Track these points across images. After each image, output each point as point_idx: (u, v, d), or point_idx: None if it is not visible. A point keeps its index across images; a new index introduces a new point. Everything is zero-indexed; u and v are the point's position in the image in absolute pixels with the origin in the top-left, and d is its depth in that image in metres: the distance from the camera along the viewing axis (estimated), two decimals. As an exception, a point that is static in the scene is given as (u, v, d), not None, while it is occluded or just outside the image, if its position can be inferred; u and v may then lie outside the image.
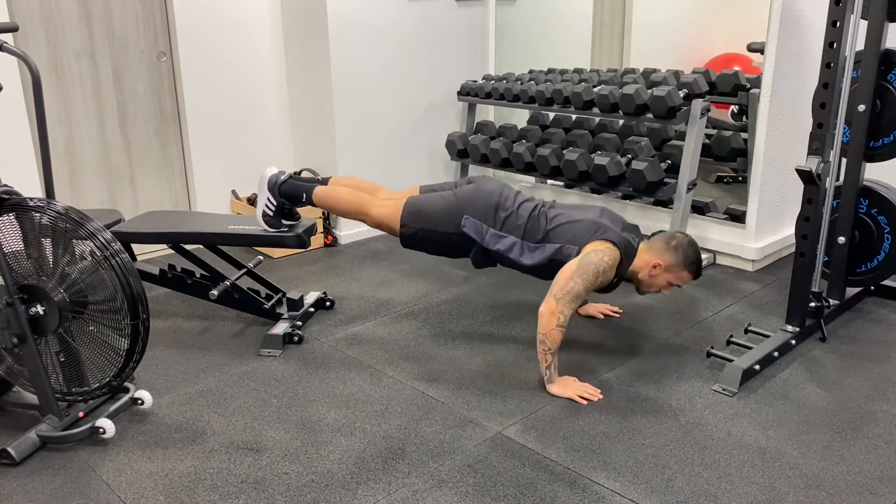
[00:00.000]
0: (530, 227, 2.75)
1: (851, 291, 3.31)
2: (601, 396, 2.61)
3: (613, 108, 3.73)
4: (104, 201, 4.06)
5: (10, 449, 2.25)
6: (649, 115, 3.60)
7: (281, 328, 3.05)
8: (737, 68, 4.02)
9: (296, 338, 3.06)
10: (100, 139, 3.98)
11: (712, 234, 3.90)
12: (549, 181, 4.72)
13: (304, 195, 2.99)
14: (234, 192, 4.42)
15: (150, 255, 4.10)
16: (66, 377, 2.40)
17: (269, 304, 3.20)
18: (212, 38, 4.14)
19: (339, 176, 4.25)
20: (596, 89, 3.80)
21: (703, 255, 3.86)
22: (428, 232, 2.82)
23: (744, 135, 3.81)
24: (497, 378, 2.76)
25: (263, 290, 3.33)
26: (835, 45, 2.69)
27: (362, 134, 4.39)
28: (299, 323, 3.16)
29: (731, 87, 3.92)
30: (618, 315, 3.29)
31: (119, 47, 3.94)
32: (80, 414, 2.43)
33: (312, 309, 3.34)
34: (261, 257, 3.42)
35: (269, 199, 3.00)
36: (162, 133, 4.18)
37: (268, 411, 2.56)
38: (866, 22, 2.89)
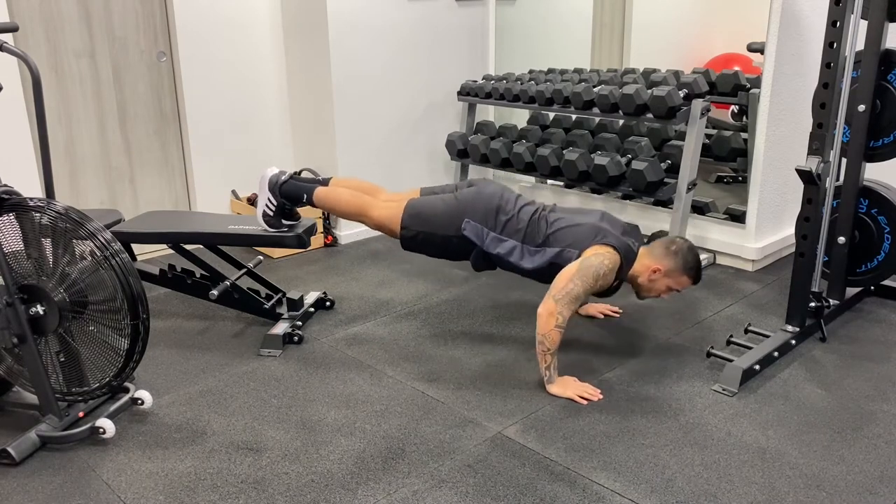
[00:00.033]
0: (531, 231, 2.76)
1: (851, 291, 3.31)
2: (601, 396, 2.61)
3: (613, 108, 3.73)
4: (104, 201, 4.06)
5: (10, 449, 2.25)
6: (649, 115, 3.60)
7: (281, 328, 3.05)
8: (737, 68, 4.02)
9: (296, 338, 3.06)
10: (100, 139, 3.98)
11: (712, 234, 3.91)
12: (549, 181, 4.73)
13: (305, 196, 2.99)
14: (234, 192, 4.42)
15: (150, 255, 4.10)
16: (66, 377, 2.40)
17: (269, 304, 3.20)
18: (212, 38, 4.14)
19: (340, 176, 4.26)
20: (596, 89, 3.80)
21: (703, 256, 3.88)
22: (428, 235, 2.82)
23: (744, 135, 3.81)
24: (497, 378, 2.76)
25: (263, 290, 3.33)
26: (835, 45, 2.69)
27: (362, 134, 4.39)
28: (299, 323, 3.16)
29: (731, 87, 3.92)
30: (618, 315, 3.29)
31: (119, 47, 3.94)
32: (80, 414, 2.43)
33: (312, 309, 3.34)
34: (261, 257, 3.42)
35: (269, 199, 3.00)
36: (162, 133, 4.18)
37: (268, 411, 2.56)
38: (866, 22, 2.89)
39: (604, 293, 2.83)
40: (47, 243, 2.31)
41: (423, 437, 2.39)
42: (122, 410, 2.52)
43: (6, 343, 2.28)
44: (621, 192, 3.88)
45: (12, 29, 2.40)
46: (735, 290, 3.56)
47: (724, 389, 2.64)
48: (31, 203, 2.27)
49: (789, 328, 2.96)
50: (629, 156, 3.80)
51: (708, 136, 3.81)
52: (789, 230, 3.94)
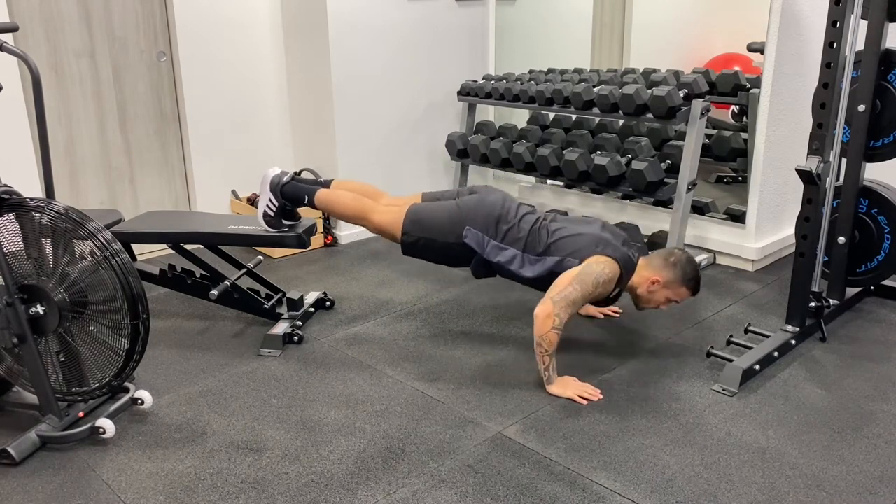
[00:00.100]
0: (531, 240, 2.76)
1: (851, 291, 3.31)
2: (601, 396, 2.61)
3: (613, 108, 3.73)
4: (104, 201, 4.06)
5: (10, 449, 2.25)
6: (649, 115, 3.60)
7: (281, 328, 3.05)
8: (737, 68, 4.02)
9: (296, 338, 3.06)
10: (100, 139, 3.98)
11: (712, 234, 3.91)
12: (549, 181, 4.73)
13: (306, 197, 2.99)
14: (234, 192, 4.42)
15: (150, 255, 4.10)
16: (66, 377, 2.40)
17: (269, 304, 3.20)
18: (212, 38, 4.14)
19: (340, 178, 4.26)
20: (596, 89, 3.80)
21: (703, 256, 3.89)
22: (429, 241, 2.83)
23: (744, 135, 3.81)
24: (497, 378, 2.76)
25: (263, 290, 3.33)
26: (835, 45, 2.69)
27: (362, 134, 4.39)
28: (299, 323, 3.16)
29: (731, 87, 3.92)
30: (618, 315, 3.29)
31: (119, 47, 3.94)
32: (80, 414, 2.43)
33: (312, 309, 3.34)
34: (261, 257, 3.42)
35: (270, 199, 3.00)
36: (162, 133, 4.18)
37: (268, 411, 2.56)
38: (866, 22, 2.89)
39: (602, 302, 2.84)
40: (47, 243, 2.31)
41: (423, 437, 2.39)
42: (122, 410, 2.52)
43: (6, 343, 2.28)
44: (621, 192, 3.88)
45: (12, 29, 2.40)
46: (735, 290, 3.57)
47: (724, 389, 2.65)
48: (31, 203, 2.27)
49: (789, 328, 2.96)
50: (629, 156, 3.80)
51: (708, 136, 3.81)
52: (789, 230, 3.94)
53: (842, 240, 3.14)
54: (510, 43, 4.87)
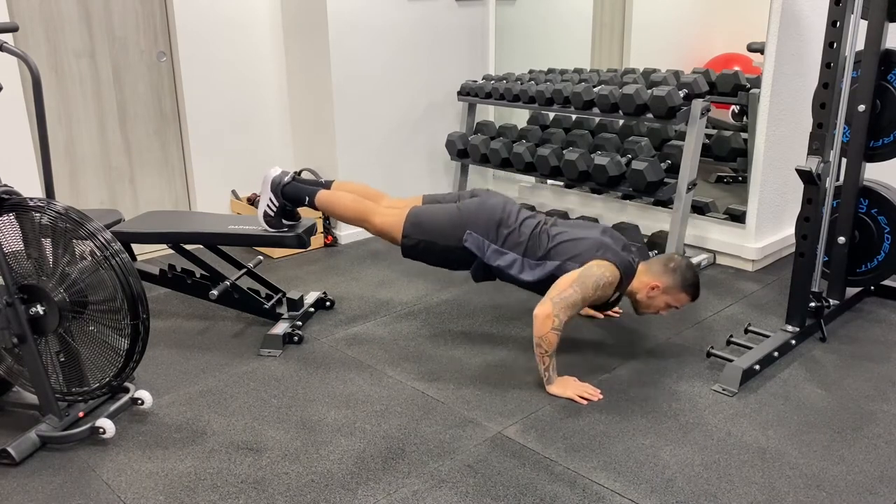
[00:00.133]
0: (532, 245, 2.76)
1: (851, 291, 3.31)
2: (601, 396, 2.61)
3: (613, 108, 3.73)
4: (104, 201, 4.06)
5: (10, 449, 2.25)
6: (649, 115, 3.60)
7: (281, 328, 3.05)
8: (737, 68, 4.02)
9: (296, 338, 3.06)
10: (100, 139, 3.98)
11: (712, 234, 3.91)
12: (549, 181, 4.72)
13: (307, 198, 2.99)
14: (234, 192, 4.42)
15: (150, 255, 4.10)
16: (66, 377, 2.40)
17: (269, 304, 3.20)
18: (212, 38, 4.14)
19: (341, 178, 4.27)
20: (596, 89, 3.80)
21: (703, 256, 3.89)
22: (429, 244, 2.83)
23: (744, 135, 3.81)
24: (497, 378, 2.76)
25: (263, 290, 3.33)
26: (835, 45, 2.69)
27: (362, 134, 4.39)
28: (299, 323, 3.16)
29: (731, 87, 3.92)
30: (618, 315, 3.29)
31: (119, 47, 3.94)
32: (80, 414, 2.43)
33: (312, 309, 3.34)
34: (261, 257, 3.42)
35: (271, 199, 3.01)
36: (162, 133, 4.18)
37: (268, 411, 2.56)
38: (866, 22, 2.89)
39: (601, 306, 2.84)
40: (47, 243, 2.31)
41: (423, 437, 2.39)
42: (122, 410, 2.52)
43: (6, 343, 2.28)
44: (621, 192, 3.88)
45: (12, 29, 2.40)
46: (735, 290, 3.56)
47: (724, 389, 2.65)
48: (31, 203, 2.27)
49: (789, 328, 2.96)
50: (629, 156, 3.80)
51: (708, 136, 3.81)
52: (789, 230, 3.94)
53: (842, 240, 3.14)
54: (510, 43, 4.87)
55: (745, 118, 4.09)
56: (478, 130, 4.63)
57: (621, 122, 4.22)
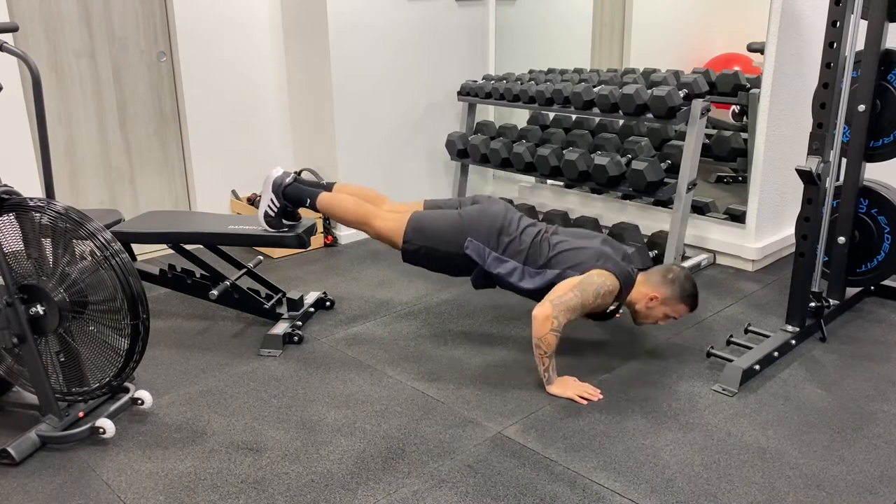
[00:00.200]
0: (532, 253, 2.77)
1: (851, 291, 3.31)
2: (601, 396, 2.61)
3: (613, 108, 3.73)
4: (104, 201, 4.06)
5: (10, 449, 2.25)
6: (649, 115, 3.60)
7: (281, 328, 3.05)
8: (737, 68, 4.02)
9: (296, 338, 3.06)
10: (100, 139, 3.98)
11: (712, 234, 3.91)
12: (549, 181, 4.72)
13: (308, 200, 3.00)
14: (234, 192, 4.42)
15: (150, 255, 4.10)
16: (66, 377, 2.40)
17: (269, 304, 3.20)
18: (212, 38, 4.14)
19: (341, 178, 4.27)
20: (596, 89, 3.80)
21: (703, 256, 3.89)
22: (430, 250, 2.83)
23: (744, 135, 3.81)
24: (497, 378, 2.76)
25: (263, 290, 3.33)
26: (835, 45, 2.69)
27: (362, 134, 4.39)
28: (299, 323, 3.16)
29: (731, 87, 3.92)
30: (618, 315, 3.29)
31: (119, 47, 3.94)
32: (80, 414, 2.43)
33: (312, 309, 3.34)
34: (261, 257, 3.42)
35: (272, 199, 3.01)
36: (162, 133, 4.18)
37: (268, 411, 2.56)
38: (866, 22, 2.89)
39: (600, 316, 2.85)
40: (47, 243, 2.31)
41: (423, 437, 2.39)
42: (122, 410, 2.52)
43: (6, 343, 2.28)
44: (621, 192, 3.88)
45: (12, 29, 2.40)
46: (735, 290, 3.56)
47: (724, 389, 2.65)
48: (31, 203, 2.27)
49: (789, 328, 2.96)
50: (629, 156, 3.80)
51: (708, 136, 3.81)
52: (789, 230, 3.94)
53: (842, 240, 3.14)
54: (510, 43, 4.87)
55: (745, 118, 4.09)
56: (478, 130, 4.63)
57: (621, 122, 4.22)
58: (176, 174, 4.28)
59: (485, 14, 4.77)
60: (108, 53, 3.91)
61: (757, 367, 2.72)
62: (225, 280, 3.10)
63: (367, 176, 4.41)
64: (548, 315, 2.54)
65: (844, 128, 3.02)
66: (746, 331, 3.03)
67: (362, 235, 4.43)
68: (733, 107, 4.54)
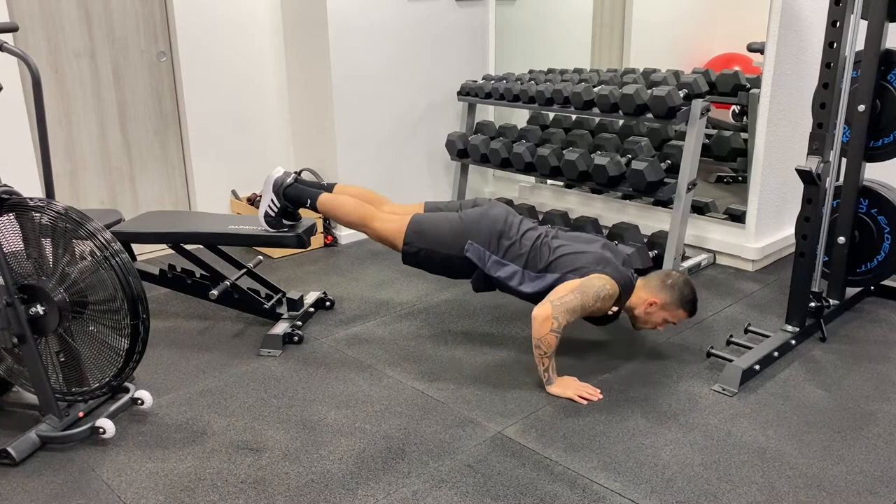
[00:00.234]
0: (532, 257, 2.77)
1: (851, 291, 3.31)
2: (601, 396, 2.61)
3: (613, 108, 3.73)
4: (104, 201, 4.06)
5: (10, 449, 2.25)
6: (649, 115, 3.60)
7: (281, 328, 3.05)
8: (737, 68, 4.02)
9: (296, 338, 3.06)
10: (100, 139, 3.98)
11: (712, 234, 3.91)
12: (549, 181, 4.72)
13: (309, 201, 3.00)
14: (234, 192, 4.42)
15: (150, 255, 4.10)
16: (66, 377, 2.40)
17: (269, 304, 3.20)
18: (212, 38, 4.14)
19: (341, 178, 4.27)
20: (596, 89, 3.80)
21: (703, 256, 3.89)
22: (430, 252, 2.83)
23: (744, 135, 3.81)
24: (497, 378, 2.76)
25: (263, 290, 3.33)
26: (835, 45, 2.69)
27: (362, 134, 4.39)
28: (299, 323, 3.16)
29: (731, 87, 3.92)
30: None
31: (119, 47, 3.94)
32: (80, 414, 2.43)
33: (312, 309, 3.34)
34: (261, 257, 3.42)
35: (272, 200, 3.01)
36: (162, 133, 4.18)
37: (268, 411, 2.56)
38: (866, 22, 2.89)
39: (599, 320, 2.86)
40: (47, 243, 2.31)
41: (423, 437, 2.39)
42: (122, 410, 2.52)
43: (6, 343, 2.28)
44: (621, 192, 3.88)
45: (12, 29, 2.40)
46: (735, 290, 3.56)
47: (724, 389, 2.65)
48: (31, 203, 2.27)
49: (789, 328, 2.96)
50: (629, 156, 3.80)
51: (708, 136, 3.81)
52: (789, 230, 3.94)
53: (842, 240, 3.14)
54: (510, 43, 4.87)
55: (745, 118, 4.09)
56: (478, 130, 4.63)
57: (621, 122, 4.22)
58: (176, 174, 4.28)
59: (485, 14, 4.77)
60: (108, 53, 3.91)
61: (757, 367, 2.72)
62: (225, 280, 3.10)
63: (367, 175, 4.41)
64: (548, 315, 2.54)
65: (844, 128, 3.02)
66: (746, 331, 3.04)
67: (362, 235, 4.41)
68: (733, 107, 4.54)
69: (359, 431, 2.43)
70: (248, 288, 3.22)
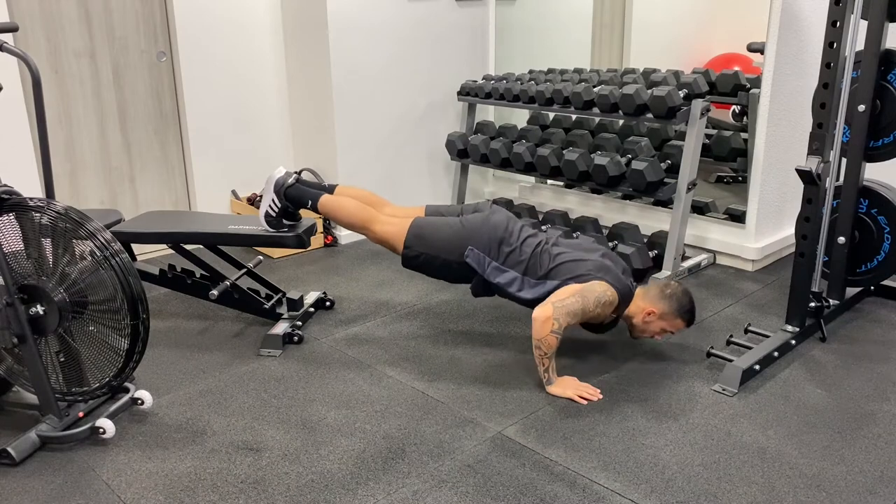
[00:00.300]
0: (532, 264, 2.77)
1: (851, 291, 3.31)
2: (601, 396, 2.61)
3: (613, 108, 3.73)
4: (104, 201, 4.06)
5: (10, 449, 2.25)
6: (649, 115, 3.60)
7: (281, 328, 3.05)
8: (737, 68, 4.02)
9: (296, 338, 3.06)
10: (100, 139, 3.98)
11: (712, 234, 3.91)
12: (549, 181, 4.73)
13: (310, 202, 3.00)
14: (234, 192, 4.42)
15: (150, 255, 4.10)
16: (66, 377, 2.40)
17: (269, 304, 3.20)
18: (212, 38, 4.14)
19: (341, 178, 4.27)
20: (596, 89, 3.80)
21: (703, 256, 3.89)
22: (430, 257, 2.84)
23: (744, 135, 3.81)
24: (497, 378, 2.76)
25: (263, 290, 3.33)
26: (835, 45, 2.69)
27: (362, 134, 4.39)
28: (299, 323, 3.16)
29: (731, 87, 3.92)
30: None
31: (119, 47, 3.94)
32: (80, 414, 2.43)
33: (312, 309, 3.34)
34: (261, 257, 3.42)
35: (273, 200, 3.01)
36: (162, 133, 4.18)
37: (268, 411, 2.56)
38: (866, 22, 2.89)
39: (599, 328, 2.86)
40: (47, 243, 2.31)
41: (423, 437, 2.39)
42: (122, 410, 2.52)
43: (6, 343, 2.28)
44: (621, 192, 3.88)
45: (12, 29, 2.40)
46: (735, 290, 3.56)
47: (724, 389, 2.65)
48: (31, 203, 2.27)
49: (789, 328, 2.96)
50: (629, 156, 3.80)
51: (708, 136, 3.81)
52: (789, 230, 3.94)
53: (842, 240, 3.14)
54: (510, 43, 4.87)
55: (745, 118, 4.09)
56: (478, 130, 4.64)
57: (621, 122, 4.22)
58: (176, 174, 4.28)
59: (485, 14, 4.77)
60: (108, 53, 3.91)
61: (757, 367, 2.72)
62: (225, 280, 3.10)
63: (367, 175, 4.41)
64: (549, 316, 2.54)
65: (844, 128, 3.02)
66: (746, 331, 3.04)
67: (362, 236, 4.43)
68: (733, 107, 4.54)
69: (359, 431, 2.43)
70: (248, 288, 3.22)
